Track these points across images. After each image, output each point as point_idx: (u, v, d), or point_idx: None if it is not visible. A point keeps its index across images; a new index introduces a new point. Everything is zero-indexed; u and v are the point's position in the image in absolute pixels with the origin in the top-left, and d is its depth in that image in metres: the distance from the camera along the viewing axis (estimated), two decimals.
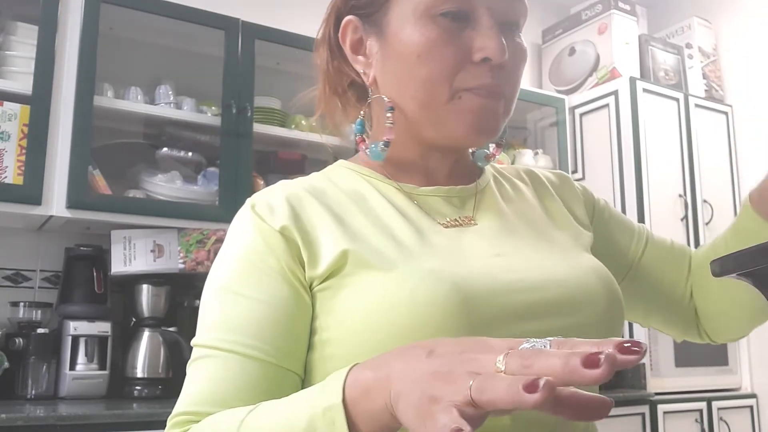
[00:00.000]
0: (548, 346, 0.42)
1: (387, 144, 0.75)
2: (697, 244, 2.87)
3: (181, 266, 2.13)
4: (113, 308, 2.14)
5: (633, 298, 0.88)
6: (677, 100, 3.02)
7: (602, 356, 0.38)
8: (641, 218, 2.76)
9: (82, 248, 2.15)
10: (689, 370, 2.82)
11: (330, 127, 0.86)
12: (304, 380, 0.69)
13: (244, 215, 0.73)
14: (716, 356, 2.94)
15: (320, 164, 0.84)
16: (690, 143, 3.00)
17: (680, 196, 2.92)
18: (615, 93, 2.95)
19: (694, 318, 0.91)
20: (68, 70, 2.03)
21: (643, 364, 2.70)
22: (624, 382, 2.71)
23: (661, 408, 2.61)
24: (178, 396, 0.68)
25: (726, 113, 3.18)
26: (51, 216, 1.98)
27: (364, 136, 0.79)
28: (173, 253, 2.14)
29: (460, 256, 0.69)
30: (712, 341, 0.92)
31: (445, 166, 0.79)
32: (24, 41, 2.06)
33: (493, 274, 0.67)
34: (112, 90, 2.20)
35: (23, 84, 1.99)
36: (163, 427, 0.66)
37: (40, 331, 2.01)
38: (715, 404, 2.78)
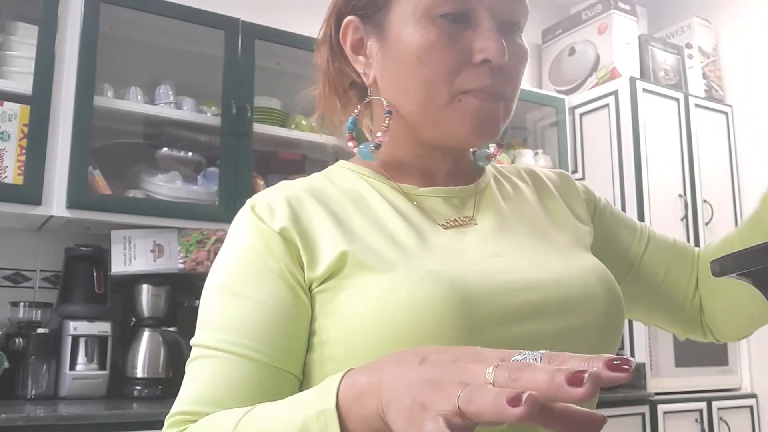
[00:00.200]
0: (539, 360, 0.42)
1: (378, 146, 0.75)
2: (697, 244, 2.87)
3: (181, 266, 2.13)
4: (113, 308, 2.14)
5: (635, 296, 0.88)
6: (677, 100, 3.03)
7: (586, 375, 0.38)
8: (641, 218, 2.76)
9: (82, 248, 2.15)
10: (689, 370, 2.82)
11: (330, 127, 0.86)
12: (303, 381, 0.69)
13: (244, 216, 0.73)
14: (716, 356, 2.94)
15: (320, 164, 0.84)
16: (690, 143, 3.00)
17: (680, 196, 2.92)
18: (615, 93, 2.95)
19: (697, 316, 0.90)
20: (68, 70, 2.03)
21: (643, 364, 2.71)
22: (624, 382, 2.71)
23: (661, 408, 2.61)
24: (177, 396, 0.68)
25: (726, 113, 3.18)
26: (51, 216, 1.98)
27: (355, 134, 0.79)
28: (173, 253, 2.14)
29: (459, 256, 0.69)
30: (716, 339, 0.91)
31: (445, 166, 0.79)
32: (24, 41, 2.06)
33: (492, 275, 0.67)
34: (112, 90, 2.20)
35: (23, 84, 1.99)
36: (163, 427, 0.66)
37: (40, 331, 2.01)
38: (715, 404, 2.78)
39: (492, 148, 0.82)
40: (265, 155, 2.46)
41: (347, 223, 0.71)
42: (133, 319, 2.15)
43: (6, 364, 1.93)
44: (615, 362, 0.39)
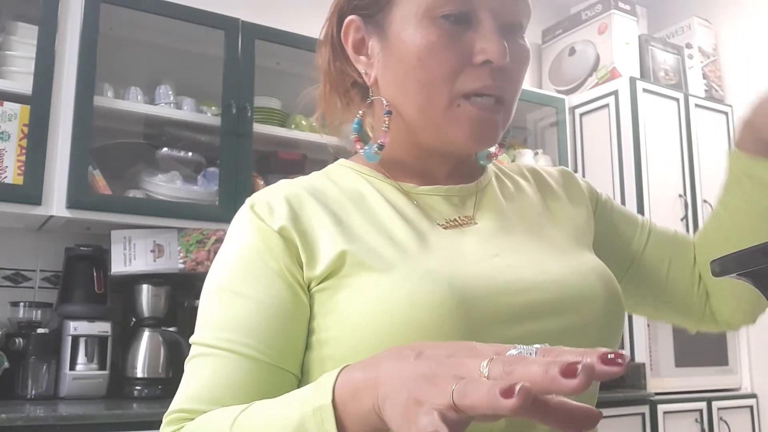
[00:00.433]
0: (534, 354, 0.42)
1: (381, 147, 0.75)
2: None
3: (181, 266, 2.13)
4: (113, 308, 2.14)
5: (640, 290, 0.88)
6: (677, 100, 3.02)
7: (580, 366, 0.38)
8: None
9: (82, 248, 2.15)
10: (689, 370, 2.82)
11: (331, 127, 0.86)
12: (302, 380, 0.69)
13: (243, 215, 0.73)
14: (716, 356, 2.94)
15: (320, 164, 0.84)
16: (690, 143, 3.00)
17: (680, 196, 2.92)
18: (615, 93, 2.95)
19: (705, 305, 0.89)
20: (68, 70, 2.03)
21: (643, 364, 2.71)
22: (624, 382, 2.71)
23: (661, 408, 2.61)
24: None
25: (726, 113, 3.18)
26: (51, 216, 1.98)
27: (360, 135, 0.79)
28: (173, 253, 2.14)
29: (459, 256, 0.69)
30: (730, 327, 0.90)
31: (445, 167, 0.79)
32: (24, 41, 2.06)
33: (491, 274, 0.67)
34: (112, 90, 2.20)
35: (23, 84, 1.99)
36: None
37: (40, 331, 2.01)
38: (715, 404, 2.78)
39: (493, 147, 0.82)
40: (265, 155, 2.46)
41: (346, 222, 0.71)
42: (133, 319, 2.15)
43: (6, 364, 1.93)
44: (609, 356, 0.39)
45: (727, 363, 2.96)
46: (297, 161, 2.49)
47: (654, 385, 2.69)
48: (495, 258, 0.70)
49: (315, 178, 0.79)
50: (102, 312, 2.09)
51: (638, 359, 2.74)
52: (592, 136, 3.03)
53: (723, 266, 0.56)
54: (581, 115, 3.09)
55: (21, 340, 1.98)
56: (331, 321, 0.66)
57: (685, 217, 2.91)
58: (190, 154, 2.30)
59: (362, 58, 0.78)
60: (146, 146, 2.30)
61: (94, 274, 2.12)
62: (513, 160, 2.91)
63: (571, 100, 3.13)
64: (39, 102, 1.97)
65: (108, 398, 2.03)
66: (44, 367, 1.98)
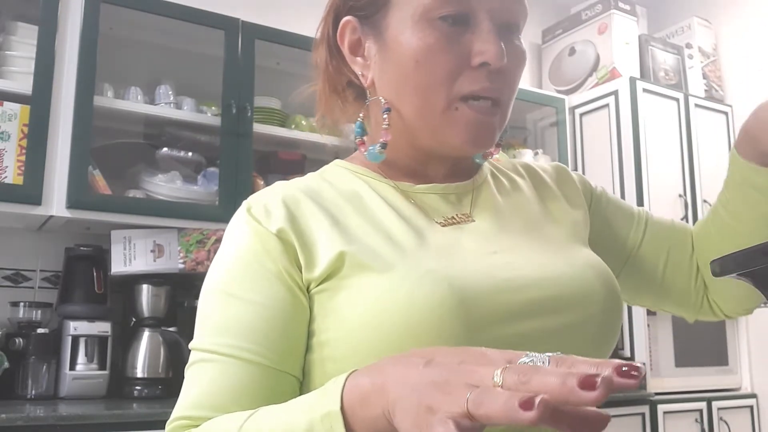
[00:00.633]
0: (547, 363, 0.42)
1: (384, 145, 0.75)
2: None
3: (181, 266, 2.13)
4: (113, 308, 2.14)
5: (637, 283, 0.88)
6: (677, 100, 3.02)
7: (599, 379, 0.38)
8: None
9: (82, 248, 2.15)
10: (689, 370, 2.82)
11: (330, 126, 0.86)
12: (303, 382, 0.68)
13: (240, 218, 0.73)
14: (716, 356, 2.94)
15: (320, 164, 0.84)
16: (690, 143, 3.00)
17: (680, 196, 2.92)
18: (615, 93, 2.95)
19: (702, 296, 0.89)
20: (68, 70, 2.03)
21: (643, 364, 2.71)
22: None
23: (661, 408, 2.61)
24: (178, 396, 0.67)
25: (726, 113, 3.18)
26: (51, 216, 1.98)
27: (364, 138, 0.79)
28: (173, 253, 2.14)
29: (457, 255, 0.69)
30: (727, 316, 0.90)
31: (442, 167, 0.79)
32: (24, 41, 2.06)
33: (490, 273, 0.67)
34: (112, 90, 2.20)
35: (23, 84, 1.99)
36: (164, 427, 0.66)
37: (40, 331, 2.01)
38: (715, 404, 2.78)
39: None
40: (265, 155, 2.46)
41: (344, 222, 0.71)
42: (133, 319, 2.15)
43: (6, 364, 1.93)
44: (624, 368, 0.39)
45: (727, 363, 2.96)
46: (297, 161, 2.49)
47: (654, 385, 2.69)
48: (493, 255, 0.70)
49: (311, 179, 0.78)
50: (102, 312, 2.09)
51: (638, 359, 2.74)
52: (592, 136, 3.03)
53: (723, 266, 0.56)
54: (581, 115, 3.09)
55: (21, 340, 1.98)
56: (331, 322, 0.66)
57: (685, 217, 2.91)
58: (190, 154, 2.30)
59: (359, 59, 0.77)
60: (146, 146, 2.30)
61: (94, 274, 2.12)
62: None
63: (571, 100, 3.13)
64: (39, 102, 1.97)
65: (108, 398, 2.03)
66: (44, 367, 1.98)
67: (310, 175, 0.80)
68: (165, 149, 2.27)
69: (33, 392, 1.96)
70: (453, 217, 0.75)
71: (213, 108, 2.34)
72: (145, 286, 2.14)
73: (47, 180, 1.95)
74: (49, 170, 1.96)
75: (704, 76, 3.26)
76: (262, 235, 0.69)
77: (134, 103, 2.21)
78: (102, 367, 2.03)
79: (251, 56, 2.32)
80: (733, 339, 3.00)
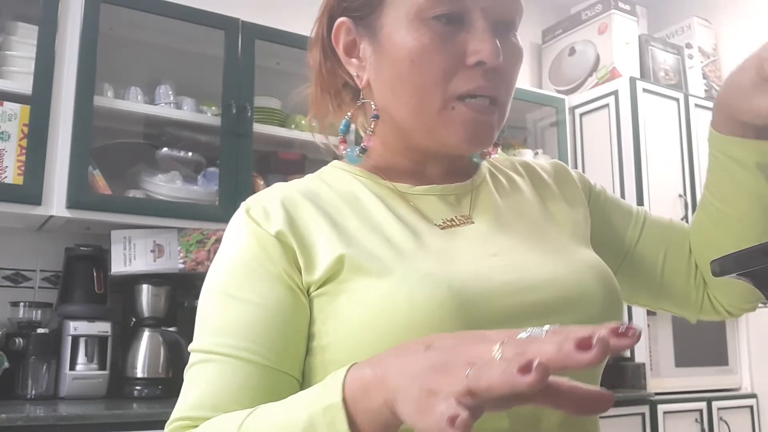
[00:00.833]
0: (544, 335, 0.42)
1: (363, 150, 0.75)
2: None
3: (181, 266, 2.13)
4: (113, 308, 2.14)
5: (635, 282, 0.87)
6: (677, 100, 3.02)
7: (594, 339, 0.38)
8: None
9: (82, 248, 2.15)
10: (689, 370, 2.82)
11: (322, 128, 0.86)
12: (303, 384, 0.68)
13: (239, 219, 0.72)
14: (716, 356, 2.94)
15: (320, 164, 0.84)
16: (690, 143, 3.00)
17: (680, 196, 2.92)
18: (615, 93, 2.95)
19: (702, 295, 0.88)
20: (68, 70, 2.03)
21: (643, 364, 2.71)
22: (624, 382, 2.71)
23: (661, 408, 2.61)
24: (178, 396, 0.67)
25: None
26: (51, 216, 1.98)
27: (345, 137, 0.79)
28: (173, 253, 2.14)
29: (456, 257, 0.69)
30: (729, 314, 0.88)
31: (439, 167, 0.79)
32: (24, 41, 2.06)
33: (490, 275, 0.67)
34: (112, 90, 2.20)
35: (23, 84, 1.99)
36: (164, 427, 0.66)
37: (40, 331, 2.01)
38: (715, 404, 2.78)
39: None
40: (265, 155, 2.46)
41: (343, 225, 0.70)
42: (133, 319, 2.15)
43: (6, 364, 1.93)
44: (620, 329, 0.39)
45: (727, 363, 2.96)
46: (297, 161, 2.49)
47: (654, 385, 2.69)
48: (493, 257, 0.70)
49: (309, 180, 0.78)
50: (102, 312, 2.09)
51: (638, 359, 2.74)
52: (592, 136, 3.03)
53: (723, 266, 0.56)
54: (581, 115, 3.09)
55: (21, 340, 1.98)
56: (331, 326, 0.66)
57: (685, 217, 2.91)
58: (190, 154, 2.31)
59: (354, 60, 0.77)
60: (146, 146, 2.30)
61: (94, 274, 2.12)
62: None
63: (571, 100, 3.13)
64: (39, 102, 1.97)
65: (108, 398, 2.03)
66: (44, 367, 1.98)
67: (308, 176, 0.80)
68: (165, 149, 2.27)
69: (33, 392, 1.96)
70: (452, 219, 0.74)
71: (213, 108, 2.34)
72: (145, 286, 2.14)
73: (47, 180, 1.95)
74: (49, 170, 1.96)
75: (704, 76, 3.26)
76: (261, 237, 0.69)
77: (134, 103, 2.21)
78: (102, 367, 2.03)
79: (251, 56, 2.32)
80: (733, 339, 3.00)
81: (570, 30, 3.28)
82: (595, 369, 0.70)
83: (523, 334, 0.43)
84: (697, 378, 2.83)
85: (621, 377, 2.72)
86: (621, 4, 3.13)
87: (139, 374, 2.09)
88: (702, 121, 3.07)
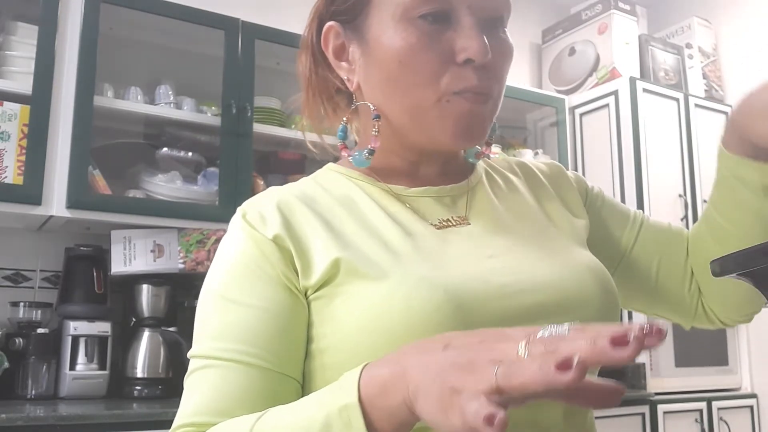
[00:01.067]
0: (567, 332, 0.42)
1: (371, 152, 0.75)
2: None
3: (181, 266, 2.13)
4: (113, 308, 2.14)
5: (630, 286, 0.87)
6: (677, 100, 3.02)
7: (631, 335, 0.38)
8: None
9: (82, 248, 2.15)
10: (689, 370, 2.82)
11: (318, 133, 0.86)
12: (303, 388, 0.68)
13: (235, 224, 0.72)
14: (716, 356, 2.94)
15: (320, 164, 0.84)
16: (690, 143, 3.00)
17: (680, 196, 2.92)
18: (615, 93, 2.95)
19: (697, 303, 0.88)
20: (68, 70, 2.03)
21: (643, 364, 2.71)
22: (624, 382, 2.70)
23: (661, 408, 2.61)
24: (178, 396, 0.67)
25: (726, 113, 3.18)
26: (51, 216, 1.98)
27: (346, 142, 0.79)
28: (173, 253, 2.14)
29: (453, 259, 0.69)
30: (723, 323, 0.88)
31: (435, 167, 0.79)
32: (24, 41, 2.06)
33: (487, 278, 0.67)
34: (112, 90, 2.20)
35: (23, 84, 1.99)
36: (164, 427, 0.66)
37: (40, 331, 2.01)
38: (715, 404, 2.78)
39: (482, 146, 0.80)
40: (265, 155, 2.46)
41: (339, 228, 0.70)
42: (133, 319, 2.15)
43: (6, 364, 1.93)
44: (646, 329, 0.39)
45: (727, 363, 2.96)
46: (297, 161, 2.49)
47: (654, 385, 2.69)
48: (489, 259, 0.70)
49: (305, 184, 0.78)
50: (102, 312, 2.09)
51: (638, 359, 2.73)
52: (592, 136, 3.03)
53: (723, 266, 0.56)
54: (581, 115, 3.09)
55: (21, 340, 1.98)
56: (328, 329, 0.66)
57: (685, 217, 2.91)
58: (190, 154, 2.31)
59: (343, 64, 0.77)
60: (146, 146, 2.30)
61: (94, 274, 2.12)
62: None
63: (571, 100, 3.12)
64: (39, 102, 1.97)
65: (108, 398, 2.03)
66: (44, 367, 1.98)
67: (303, 179, 0.79)
68: (165, 149, 2.27)
69: (33, 392, 1.96)
70: (448, 220, 0.74)
71: (213, 108, 2.34)
72: (145, 286, 2.14)
73: (47, 180, 1.95)
74: (49, 170, 1.96)
75: (704, 76, 3.26)
76: (259, 241, 0.69)
77: (134, 103, 2.21)
78: (102, 367, 2.03)
79: (251, 56, 2.32)
80: (733, 339, 3.00)
81: (570, 30, 3.28)
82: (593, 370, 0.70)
83: (544, 332, 0.43)
84: (697, 378, 2.83)
85: (621, 377, 2.72)
86: (621, 4, 3.13)
87: (139, 374, 2.09)
88: (702, 121, 3.07)
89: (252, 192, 2.21)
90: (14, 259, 2.19)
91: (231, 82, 2.27)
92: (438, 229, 0.73)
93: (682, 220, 2.90)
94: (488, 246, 0.72)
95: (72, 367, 1.99)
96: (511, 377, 0.40)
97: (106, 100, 2.15)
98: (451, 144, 0.73)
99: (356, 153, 0.76)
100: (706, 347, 2.91)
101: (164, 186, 2.20)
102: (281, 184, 0.80)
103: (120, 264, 2.10)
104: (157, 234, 2.14)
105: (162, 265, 2.12)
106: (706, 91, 3.22)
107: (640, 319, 2.71)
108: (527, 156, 2.96)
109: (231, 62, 2.29)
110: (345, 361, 0.64)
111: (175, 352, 2.11)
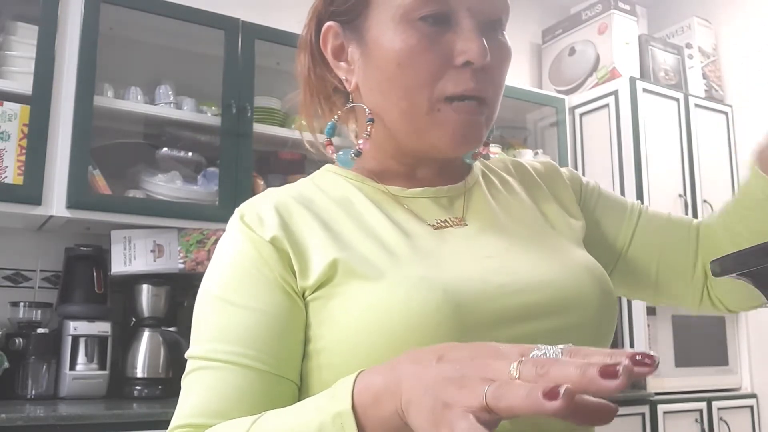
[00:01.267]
0: (560, 354, 0.42)
1: (358, 153, 0.74)
2: None
3: (181, 266, 2.13)
4: (113, 308, 2.14)
5: (631, 281, 0.87)
6: (677, 100, 3.02)
7: (620, 367, 0.38)
8: None
9: (82, 248, 2.15)
10: (689, 370, 2.82)
11: (313, 132, 0.86)
12: (300, 389, 0.68)
13: (233, 226, 0.72)
14: (716, 356, 2.94)
15: (320, 164, 0.84)
16: (690, 143, 3.00)
17: (680, 196, 2.92)
18: (615, 93, 2.95)
19: (703, 288, 0.87)
20: (68, 70, 2.03)
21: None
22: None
23: (661, 408, 2.61)
24: (178, 396, 0.67)
25: (726, 113, 3.18)
26: (51, 216, 1.98)
27: (332, 140, 0.79)
28: (173, 253, 2.14)
29: (451, 260, 0.69)
30: (729, 310, 0.88)
31: (431, 169, 0.79)
32: (24, 41, 2.06)
33: (484, 277, 0.67)
34: (112, 90, 2.20)
35: (23, 84, 1.99)
36: (164, 427, 0.66)
37: (40, 331, 2.01)
38: (715, 404, 2.78)
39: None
40: (265, 155, 2.46)
41: (336, 229, 0.70)
42: (133, 319, 2.15)
43: (6, 364, 1.93)
44: (637, 357, 0.39)
45: (727, 363, 2.96)
46: (297, 161, 2.49)
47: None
48: (487, 259, 0.70)
49: (302, 185, 0.78)
50: (102, 312, 2.09)
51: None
52: (592, 136, 3.03)
53: (723, 266, 0.56)
54: (581, 115, 3.09)
55: (21, 340, 1.98)
56: (326, 330, 0.66)
57: None
58: (190, 154, 2.31)
59: (342, 64, 0.77)
60: (146, 146, 2.30)
61: (94, 274, 2.12)
62: None
63: (571, 100, 3.12)
64: (39, 102, 1.97)
65: (108, 398, 2.03)
66: (44, 367, 1.98)
67: (301, 181, 0.79)
68: (165, 149, 2.27)
69: (33, 392, 1.96)
70: (445, 221, 0.74)
71: (213, 108, 2.34)
72: (145, 286, 2.14)
73: (47, 180, 1.95)
74: (49, 170, 1.96)
75: (704, 76, 3.26)
76: (256, 243, 0.69)
77: (134, 103, 2.21)
78: (102, 367, 2.03)
79: (251, 56, 2.32)
80: (733, 339, 3.00)
81: (570, 30, 3.28)
82: None
83: (536, 352, 0.43)
84: (697, 378, 2.83)
85: None
86: (621, 4, 3.13)
87: (139, 374, 2.09)
88: (702, 121, 3.07)
89: (252, 192, 2.21)
90: (14, 259, 2.19)
91: (231, 82, 2.27)
92: (435, 229, 0.73)
93: None
94: (485, 246, 0.72)
95: (72, 367, 1.99)
96: (499, 399, 0.41)
97: (106, 100, 2.15)
98: (447, 151, 0.73)
99: (341, 153, 0.76)
100: (706, 347, 2.91)
101: (164, 186, 2.20)
102: (281, 184, 0.80)
103: (120, 264, 2.10)
104: (157, 234, 2.14)
105: (162, 265, 2.12)
106: (706, 91, 3.22)
107: (640, 314, 2.72)
108: (527, 156, 2.96)
109: (231, 62, 2.29)
110: (343, 362, 0.64)
111: (175, 352, 2.11)
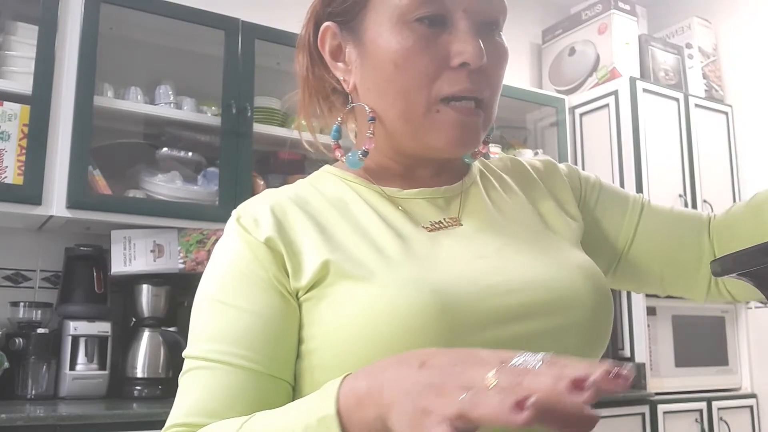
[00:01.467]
0: (539, 364, 0.42)
1: (365, 153, 0.74)
2: None
3: (181, 266, 2.13)
4: (113, 308, 2.14)
5: (639, 272, 0.86)
6: (677, 100, 3.03)
7: (588, 383, 0.39)
8: None
9: (82, 248, 2.15)
10: (689, 370, 2.82)
11: (313, 133, 0.86)
12: (294, 389, 0.69)
13: (230, 228, 0.73)
14: (716, 356, 2.94)
15: (320, 164, 0.84)
16: (690, 143, 3.00)
17: (680, 196, 2.92)
18: (615, 93, 2.95)
19: (710, 278, 0.86)
20: (68, 70, 2.03)
21: (643, 364, 2.71)
22: (623, 391, 2.71)
23: (661, 408, 2.61)
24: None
25: (726, 113, 3.18)
26: (51, 216, 1.98)
27: (340, 142, 0.79)
28: (173, 253, 2.14)
29: (442, 261, 0.69)
30: (735, 300, 0.87)
31: (429, 170, 0.79)
32: (24, 41, 2.06)
33: (475, 279, 0.67)
34: (112, 90, 2.20)
35: (23, 84, 1.99)
36: (163, 427, 0.66)
37: (40, 331, 2.01)
38: (715, 404, 2.78)
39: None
40: (265, 155, 2.46)
41: (330, 231, 0.71)
42: (133, 319, 2.15)
43: (6, 364, 1.93)
44: (612, 372, 0.40)
45: (727, 363, 2.96)
46: (297, 161, 2.49)
47: (654, 385, 2.69)
48: (480, 260, 0.70)
49: (300, 186, 0.78)
50: (102, 312, 2.09)
51: (638, 359, 2.74)
52: (592, 136, 3.04)
53: (723, 266, 0.56)
54: (581, 115, 3.09)
55: (21, 340, 1.98)
56: (316, 331, 0.66)
57: None
58: (190, 154, 2.31)
59: (340, 64, 0.77)
60: (146, 146, 2.31)
61: (94, 274, 2.12)
62: None
63: (571, 100, 3.13)
64: (39, 102, 1.97)
65: (108, 398, 2.03)
66: (44, 367, 1.98)
67: (299, 181, 0.80)
68: (165, 149, 2.27)
69: (33, 392, 1.96)
70: (440, 222, 0.74)
71: (213, 108, 2.34)
72: (145, 286, 2.14)
73: (47, 180, 1.95)
74: (49, 170, 1.96)
75: (704, 76, 3.26)
76: (251, 244, 0.69)
77: (134, 103, 2.21)
78: (102, 367, 2.03)
79: (251, 56, 2.32)
80: (733, 339, 3.00)
81: (570, 30, 3.28)
82: None
83: (517, 360, 0.43)
84: (697, 378, 2.83)
85: None
86: (621, 4, 3.13)
87: (139, 374, 2.09)
88: (702, 121, 3.07)
89: (252, 192, 2.21)
90: (14, 259, 2.19)
91: (231, 82, 2.27)
92: (429, 231, 0.73)
93: None
94: (479, 247, 0.72)
95: (72, 367, 1.99)
96: (474, 407, 0.41)
97: (106, 100, 2.15)
98: (444, 151, 0.73)
99: (350, 154, 0.76)
100: (706, 347, 2.91)
101: (164, 186, 2.20)
102: (281, 185, 0.80)
103: (120, 264, 2.10)
104: (157, 234, 2.14)
105: (162, 265, 2.12)
106: (706, 91, 3.22)
107: (640, 314, 2.71)
108: (527, 156, 2.96)
109: (231, 62, 2.29)
110: (333, 363, 0.64)
111: (175, 352, 2.11)
